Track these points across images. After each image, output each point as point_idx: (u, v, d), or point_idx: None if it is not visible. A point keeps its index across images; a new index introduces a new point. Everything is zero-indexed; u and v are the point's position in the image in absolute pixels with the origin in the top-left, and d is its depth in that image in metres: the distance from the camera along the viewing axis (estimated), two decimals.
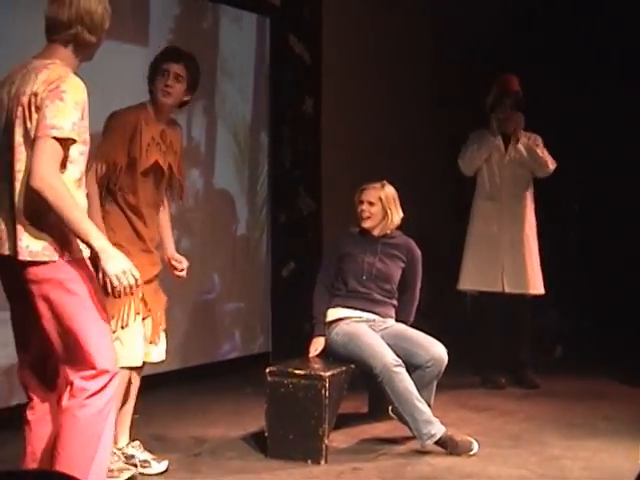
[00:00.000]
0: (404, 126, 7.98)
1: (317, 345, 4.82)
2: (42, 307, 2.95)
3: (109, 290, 2.98)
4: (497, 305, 6.07)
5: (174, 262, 4.22)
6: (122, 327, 3.94)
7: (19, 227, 2.92)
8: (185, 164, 4.33)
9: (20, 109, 2.92)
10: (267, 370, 4.49)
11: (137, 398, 4.16)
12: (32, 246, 2.91)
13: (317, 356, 4.78)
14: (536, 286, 6.04)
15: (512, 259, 6.00)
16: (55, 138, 2.86)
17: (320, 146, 7.17)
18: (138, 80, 4.72)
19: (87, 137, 3.03)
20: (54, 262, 2.93)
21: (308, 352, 4.80)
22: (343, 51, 7.26)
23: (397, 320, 4.92)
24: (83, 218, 2.90)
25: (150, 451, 4.24)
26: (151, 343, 4.12)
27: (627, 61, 7.40)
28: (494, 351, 6.11)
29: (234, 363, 6.48)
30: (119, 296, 3.02)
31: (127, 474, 4.03)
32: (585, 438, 4.80)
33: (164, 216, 4.27)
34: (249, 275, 6.75)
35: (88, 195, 3.77)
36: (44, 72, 2.95)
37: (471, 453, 4.45)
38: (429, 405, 4.59)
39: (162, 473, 4.18)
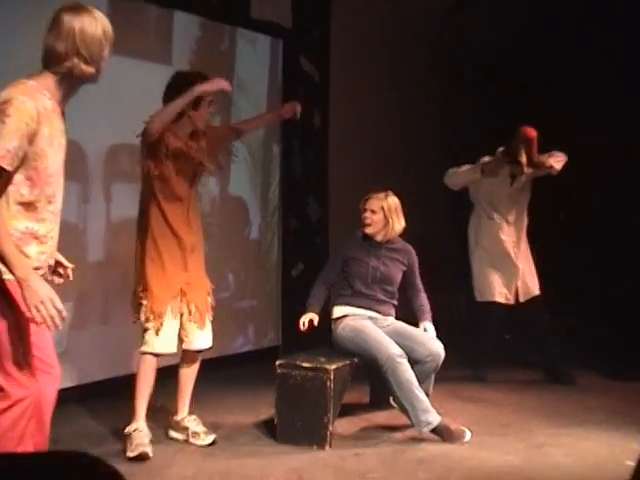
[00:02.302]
0: (408, 140, 8.06)
1: (307, 317, 4.88)
2: None
3: (32, 318, 2.76)
4: (502, 314, 6.24)
5: None
6: (156, 318, 4.25)
7: None
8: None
9: None
10: (277, 363, 4.65)
11: (159, 385, 4.45)
12: None
13: (323, 350, 4.89)
14: (537, 287, 6.21)
15: (524, 271, 6.16)
16: None
17: (327, 157, 7.31)
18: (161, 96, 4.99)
19: (37, 163, 2.81)
20: None
21: (300, 328, 4.85)
22: (350, 70, 7.39)
23: (422, 318, 5.04)
24: (6, 244, 2.72)
25: (204, 425, 4.58)
26: (198, 328, 4.40)
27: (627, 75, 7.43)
28: (486, 351, 6.32)
29: (247, 356, 6.63)
30: (44, 324, 2.76)
31: (140, 449, 4.23)
32: (569, 427, 4.93)
33: None
34: (261, 275, 6.90)
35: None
36: (6, 90, 2.79)
37: (464, 441, 4.59)
38: (427, 395, 4.74)
39: (209, 445, 4.47)
